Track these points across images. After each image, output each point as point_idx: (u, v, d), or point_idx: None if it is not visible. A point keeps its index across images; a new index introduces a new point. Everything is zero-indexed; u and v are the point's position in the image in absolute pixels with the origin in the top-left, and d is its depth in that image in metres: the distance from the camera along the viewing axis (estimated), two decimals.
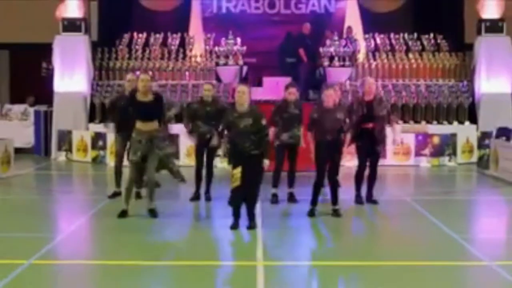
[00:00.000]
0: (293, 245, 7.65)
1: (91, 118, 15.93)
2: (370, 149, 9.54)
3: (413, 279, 6.40)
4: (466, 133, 15.10)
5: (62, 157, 15.56)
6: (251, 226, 8.15)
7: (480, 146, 14.50)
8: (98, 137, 14.94)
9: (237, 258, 7.27)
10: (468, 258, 7.22)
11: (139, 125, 8.47)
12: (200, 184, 10.04)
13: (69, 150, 15.46)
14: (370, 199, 9.68)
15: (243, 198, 8.12)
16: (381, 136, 9.55)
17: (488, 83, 15.93)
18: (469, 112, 15.86)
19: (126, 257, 7.07)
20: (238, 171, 8.02)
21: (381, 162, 10.37)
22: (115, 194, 10.02)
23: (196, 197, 10.02)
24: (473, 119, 15.74)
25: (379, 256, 7.25)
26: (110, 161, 14.53)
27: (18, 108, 16.93)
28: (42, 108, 16.70)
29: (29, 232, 8.24)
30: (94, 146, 15.01)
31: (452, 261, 7.02)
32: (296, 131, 9.84)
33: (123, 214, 8.71)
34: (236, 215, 8.16)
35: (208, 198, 10.03)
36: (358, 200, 9.63)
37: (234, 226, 8.11)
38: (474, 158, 14.55)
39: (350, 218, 9.12)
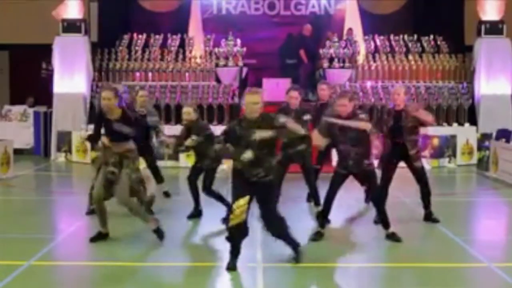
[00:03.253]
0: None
1: (91, 119, 15.92)
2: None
3: (413, 280, 6.41)
4: (466, 134, 15.10)
5: (61, 158, 15.57)
6: (297, 259, 6.84)
7: (480, 147, 14.53)
8: None
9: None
10: (468, 259, 7.23)
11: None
12: (198, 197, 9.08)
13: (69, 151, 15.46)
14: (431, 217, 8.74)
15: (246, 234, 6.73)
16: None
17: (488, 84, 15.94)
18: (469, 114, 15.87)
19: (125, 259, 7.07)
20: (243, 204, 6.48)
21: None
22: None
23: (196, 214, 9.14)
24: (473, 121, 15.74)
25: (379, 257, 7.26)
26: None
27: (17, 109, 16.92)
28: (42, 109, 16.71)
29: (29, 233, 8.25)
30: (93, 147, 15.00)
31: (452, 263, 7.03)
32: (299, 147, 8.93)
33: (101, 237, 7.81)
34: (235, 253, 6.72)
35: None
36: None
37: (232, 267, 6.65)
38: (474, 160, 14.57)
39: (350, 221, 9.12)
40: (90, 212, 9.13)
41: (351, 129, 7.51)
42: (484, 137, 14.66)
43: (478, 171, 13.79)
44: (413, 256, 7.30)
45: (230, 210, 6.69)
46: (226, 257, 7.31)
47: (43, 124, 16.44)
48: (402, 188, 10.68)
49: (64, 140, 15.59)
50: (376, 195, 7.81)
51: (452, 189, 12.02)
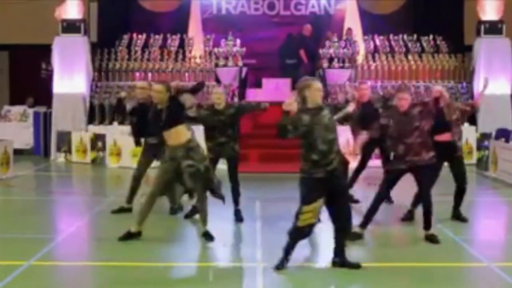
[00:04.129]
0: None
1: (91, 119, 15.94)
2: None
3: (413, 280, 6.40)
4: (465, 134, 14.99)
5: (61, 158, 15.57)
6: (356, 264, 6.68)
7: (480, 147, 14.52)
8: (97, 138, 14.95)
9: (237, 260, 7.28)
10: (467, 259, 7.23)
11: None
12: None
13: (69, 151, 15.46)
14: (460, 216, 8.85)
15: (309, 235, 6.64)
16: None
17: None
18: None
19: (126, 259, 7.07)
20: (318, 205, 6.40)
21: (378, 163, 10.40)
22: (122, 210, 9.23)
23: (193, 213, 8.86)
24: (473, 121, 15.74)
25: (378, 257, 7.25)
26: (110, 163, 14.58)
27: (17, 109, 16.93)
28: (42, 109, 16.71)
29: (29, 233, 8.24)
30: (93, 147, 15.01)
31: (452, 263, 7.03)
32: None
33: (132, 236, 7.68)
34: (289, 254, 6.57)
35: (240, 219, 8.81)
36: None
37: (282, 266, 6.54)
38: (474, 160, 14.56)
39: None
40: (174, 211, 9.10)
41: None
42: (484, 136, 14.66)
43: (477, 170, 13.79)
44: (413, 256, 7.29)
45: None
46: (224, 256, 7.32)
47: (43, 124, 16.44)
48: (400, 188, 10.65)
49: (64, 140, 15.59)
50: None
51: (451, 189, 12.00)
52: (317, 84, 6.55)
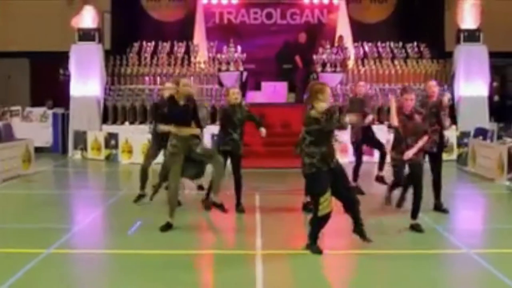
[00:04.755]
0: (290, 234, 7.67)
1: (104, 120, 15.94)
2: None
3: (397, 265, 6.42)
4: (446, 133, 15.02)
5: (78, 155, 15.57)
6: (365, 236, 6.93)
7: (459, 144, 14.54)
8: (110, 137, 14.96)
9: (237, 248, 7.29)
10: (448, 246, 7.24)
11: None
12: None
13: (85, 149, 15.46)
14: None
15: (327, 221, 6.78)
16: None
17: (467, 87, 15.95)
18: (450, 114, 15.85)
19: (138, 247, 7.09)
20: (327, 196, 6.58)
21: (366, 159, 10.50)
22: (140, 197, 9.34)
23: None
24: (453, 120, 15.73)
25: (365, 245, 7.25)
26: (122, 159, 14.60)
27: (37, 110, 16.91)
28: (60, 110, 16.72)
29: (49, 223, 8.26)
30: (107, 145, 15.03)
31: (434, 250, 7.05)
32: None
33: (169, 227, 7.74)
34: (316, 238, 6.80)
35: (241, 210, 8.85)
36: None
37: (318, 250, 6.73)
38: (454, 156, 14.58)
39: (339, 212, 9.12)
40: (138, 198, 9.25)
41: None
42: (463, 135, 14.68)
43: (457, 166, 13.81)
44: (397, 243, 7.31)
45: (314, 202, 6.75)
46: (223, 245, 7.31)
47: (61, 124, 16.47)
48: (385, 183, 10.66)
49: (80, 139, 15.59)
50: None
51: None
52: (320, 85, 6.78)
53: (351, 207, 6.82)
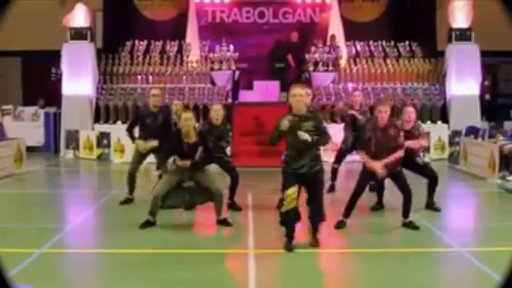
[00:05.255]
0: (283, 233, 7.66)
1: (97, 119, 15.90)
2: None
3: (390, 264, 6.44)
4: (438, 131, 15.16)
5: (70, 154, 15.53)
6: (316, 243, 6.94)
7: (451, 143, 14.59)
8: (103, 136, 14.93)
9: (230, 246, 7.28)
10: (440, 245, 7.26)
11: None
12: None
13: (76, 148, 15.42)
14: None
15: (298, 219, 6.85)
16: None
17: (458, 86, 16.00)
18: (441, 113, 15.93)
19: (130, 246, 7.07)
20: (291, 193, 6.61)
21: (354, 158, 10.55)
22: (128, 200, 9.35)
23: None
24: (445, 119, 15.81)
25: (359, 244, 7.27)
26: (114, 158, 14.56)
27: (29, 110, 16.86)
28: (52, 110, 16.66)
29: (40, 223, 8.23)
30: (99, 144, 14.99)
31: (427, 248, 7.06)
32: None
33: (149, 224, 7.86)
34: (291, 235, 6.80)
35: (237, 208, 8.90)
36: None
37: (290, 248, 6.75)
38: (446, 154, 14.63)
39: (331, 211, 9.14)
40: (124, 202, 9.29)
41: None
42: (455, 133, 14.73)
43: (449, 164, 13.85)
44: (390, 242, 7.32)
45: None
46: (216, 244, 7.31)
47: (53, 124, 16.41)
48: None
49: (72, 138, 15.55)
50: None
51: (425, 181, 12.05)
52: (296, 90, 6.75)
53: (312, 220, 6.87)
